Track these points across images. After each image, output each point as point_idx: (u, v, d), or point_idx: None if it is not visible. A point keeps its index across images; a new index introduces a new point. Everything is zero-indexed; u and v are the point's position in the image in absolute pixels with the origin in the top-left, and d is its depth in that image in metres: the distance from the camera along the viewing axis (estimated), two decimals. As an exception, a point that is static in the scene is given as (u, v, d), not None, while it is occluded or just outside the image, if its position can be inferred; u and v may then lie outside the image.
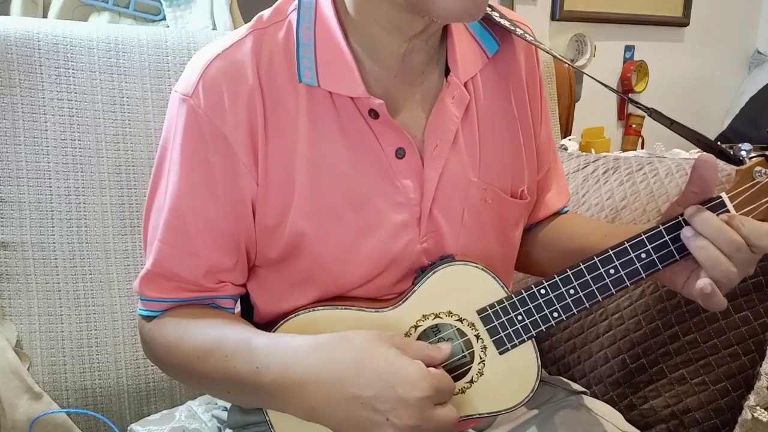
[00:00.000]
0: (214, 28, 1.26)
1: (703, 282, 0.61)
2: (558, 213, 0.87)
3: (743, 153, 0.64)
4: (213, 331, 0.66)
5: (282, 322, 0.69)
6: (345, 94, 0.66)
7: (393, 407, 0.57)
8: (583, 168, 1.21)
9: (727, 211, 0.62)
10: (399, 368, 0.58)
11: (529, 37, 0.73)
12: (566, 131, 1.54)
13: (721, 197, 0.63)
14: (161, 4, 1.27)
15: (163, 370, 0.75)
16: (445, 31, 0.70)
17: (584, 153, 1.30)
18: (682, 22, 2.52)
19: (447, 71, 0.70)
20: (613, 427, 0.76)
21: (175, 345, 0.68)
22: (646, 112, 0.72)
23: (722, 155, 0.66)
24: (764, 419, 0.82)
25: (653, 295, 0.93)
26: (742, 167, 0.63)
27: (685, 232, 0.62)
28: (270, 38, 0.67)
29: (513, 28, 0.73)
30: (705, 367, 0.88)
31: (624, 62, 2.42)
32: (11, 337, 0.96)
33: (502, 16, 0.73)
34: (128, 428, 0.99)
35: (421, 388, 0.57)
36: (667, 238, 0.64)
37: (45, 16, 1.21)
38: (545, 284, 0.67)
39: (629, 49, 2.43)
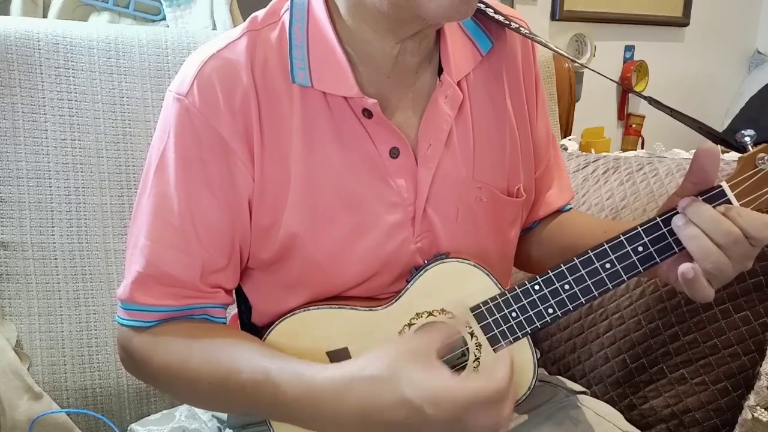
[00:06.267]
0: (214, 28, 1.27)
1: (686, 266, 0.59)
2: (560, 211, 0.86)
3: (746, 139, 0.61)
4: (224, 356, 0.64)
5: (276, 323, 0.69)
6: (338, 94, 0.65)
7: (424, 426, 0.55)
8: (583, 168, 1.21)
9: (728, 200, 0.60)
10: (421, 389, 0.55)
11: (524, 31, 0.73)
12: (566, 131, 1.54)
13: (720, 186, 0.61)
14: (161, 4, 1.27)
15: (155, 387, 0.72)
16: (439, 30, 0.70)
17: (584, 153, 1.30)
18: (682, 22, 2.52)
19: (440, 70, 0.70)
20: (613, 427, 0.76)
21: (178, 367, 0.65)
22: (644, 99, 0.71)
23: (724, 142, 0.64)
24: (764, 419, 0.82)
25: (653, 295, 0.93)
26: (744, 155, 0.61)
27: (677, 221, 0.60)
28: (264, 39, 0.67)
29: (507, 22, 0.72)
30: (705, 367, 0.88)
31: (624, 62, 2.42)
32: (11, 337, 0.96)
33: (496, 11, 0.72)
34: (128, 428, 0.99)
35: (446, 405, 0.54)
36: (664, 230, 0.62)
37: (45, 16, 1.21)
38: (539, 280, 0.66)
39: (629, 49, 2.43)
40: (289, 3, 0.68)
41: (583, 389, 0.83)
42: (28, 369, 0.96)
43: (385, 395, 0.56)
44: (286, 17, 0.67)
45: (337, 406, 0.58)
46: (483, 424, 0.56)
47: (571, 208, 0.88)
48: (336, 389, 0.58)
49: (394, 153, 0.68)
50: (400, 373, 0.56)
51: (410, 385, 0.55)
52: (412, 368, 0.56)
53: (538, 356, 0.78)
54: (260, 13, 0.69)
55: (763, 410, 0.82)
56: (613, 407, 0.81)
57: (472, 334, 0.68)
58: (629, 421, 0.79)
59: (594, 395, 0.88)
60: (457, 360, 0.71)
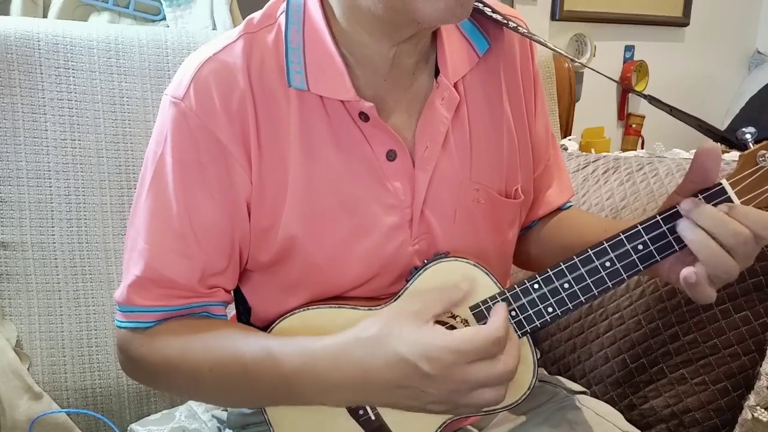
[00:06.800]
0: (214, 28, 1.27)
1: (688, 271, 0.59)
2: (560, 209, 0.86)
3: (747, 137, 0.61)
4: (224, 342, 0.65)
5: (277, 322, 0.69)
6: (335, 98, 0.65)
7: (423, 383, 0.57)
8: (583, 168, 1.21)
9: (728, 198, 0.60)
10: (414, 345, 0.57)
11: (522, 30, 0.73)
12: (566, 131, 1.54)
13: (721, 184, 0.60)
14: (161, 4, 1.27)
15: (156, 387, 0.72)
16: (435, 31, 0.70)
17: (584, 153, 1.30)
18: (682, 22, 2.52)
19: (437, 72, 0.70)
20: (613, 427, 0.76)
21: (178, 358, 0.66)
22: (644, 98, 0.71)
23: (724, 140, 0.64)
24: (764, 419, 0.82)
25: (653, 295, 0.93)
26: (745, 152, 0.60)
27: (681, 225, 0.60)
28: (260, 42, 0.66)
29: (506, 21, 0.72)
30: (705, 367, 0.88)
31: (624, 62, 2.42)
32: (11, 337, 0.96)
33: (494, 11, 0.72)
34: (128, 428, 0.99)
35: (440, 358, 0.56)
36: (664, 228, 0.62)
37: (45, 16, 1.21)
38: (538, 279, 0.66)
39: (629, 49, 2.43)
40: (285, 5, 0.67)
41: (583, 389, 0.83)
42: (28, 369, 0.96)
43: (381, 355, 0.58)
44: (282, 19, 0.67)
45: (336, 371, 0.59)
46: (483, 377, 0.57)
47: (571, 206, 0.88)
48: (335, 354, 0.60)
49: (391, 156, 0.68)
50: (393, 331, 0.58)
51: (403, 342, 0.57)
52: (406, 327, 0.58)
53: (538, 356, 0.78)
54: (256, 15, 0.69)
55: (763, 410, 0.82)
56: (613, 407, 0.81)
57: (471, 334, 0.68)
58: (629, 421, 0.79)
59: (594, 395, 0.88)
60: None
